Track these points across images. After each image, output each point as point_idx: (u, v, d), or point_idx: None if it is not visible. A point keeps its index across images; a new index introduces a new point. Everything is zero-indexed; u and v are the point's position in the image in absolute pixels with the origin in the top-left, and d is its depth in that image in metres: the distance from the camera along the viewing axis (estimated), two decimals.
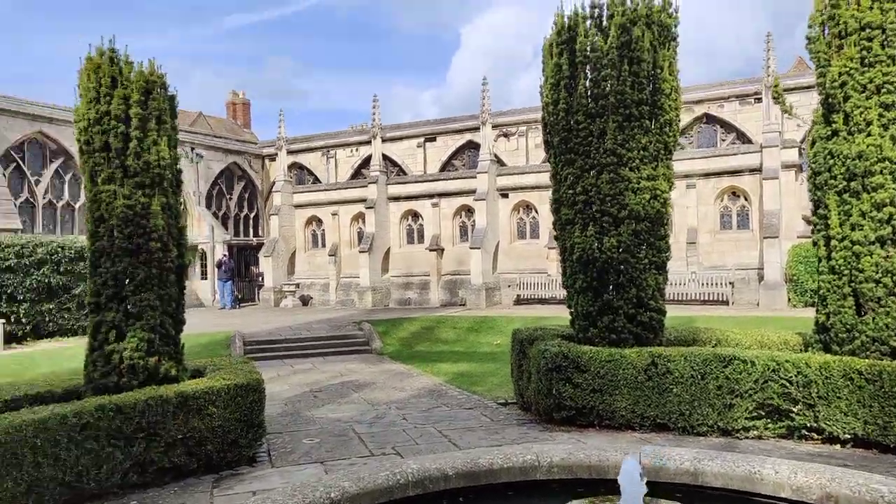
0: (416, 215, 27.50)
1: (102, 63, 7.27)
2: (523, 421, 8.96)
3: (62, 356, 15.03)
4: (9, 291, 18.33)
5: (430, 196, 26.86)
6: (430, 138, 30.42)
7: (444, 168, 29.85)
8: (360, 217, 27.99)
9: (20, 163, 24.55)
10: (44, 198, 25.24)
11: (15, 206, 23.25)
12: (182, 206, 24.64)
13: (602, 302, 8.81)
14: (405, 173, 30.27)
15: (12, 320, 18.27)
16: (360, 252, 26.88)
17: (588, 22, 9.12)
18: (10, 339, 17.98)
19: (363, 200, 27.43)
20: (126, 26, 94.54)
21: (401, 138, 30.80)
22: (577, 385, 8.34)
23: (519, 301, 24.55)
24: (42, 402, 6.57)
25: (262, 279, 29.61)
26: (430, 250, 26.48)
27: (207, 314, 24.71)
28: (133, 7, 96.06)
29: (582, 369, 8.33)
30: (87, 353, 7.09)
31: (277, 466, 7.15)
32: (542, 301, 23.76)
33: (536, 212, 24.97)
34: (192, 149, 30.09)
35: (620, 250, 8.73)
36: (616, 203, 8.73)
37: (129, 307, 6.94)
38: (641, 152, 8.81)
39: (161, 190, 7.21)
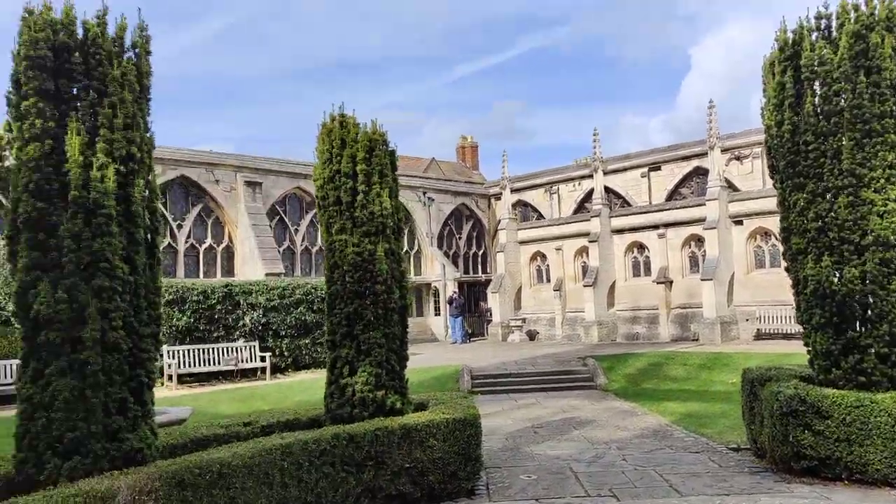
0: (641, 247, 26.70)
1: (334, 128, 8.24)
2: (756, 469, 8.25)
3: (314, 386, 16.78)
4: (274, 328, 21.01)
5: (656, 227, 25.96)
6: (655, 167, 29.48)
7: (670, 197, 28.70)
8: (583, 251, 27.83)
9: (282, 215, 28.14)
10: (301, 244, 28.61)
11: (279, 253, 26.66)
12: (416, 248, 26.26)
13: (845, 340, 7.89)
14: (629, 205, 29.59)
15: (276, 353, 20.87)
16: (584, 286, 26.66)
17: (814, 35, 8.40)
18: (275, 369, 20.54)
19: (586, 234, 27.28)
20: (370, 84, 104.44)
21: (624, 169, 30.23)
22: (818, 433, 7.52)
23: (759, 336, 22.62)
24: (291, 429, 7.46)
25: (490, 314, 30.56)
26: (658, 283, 25.49)
27: (439, 348, 26.06)
28: (377, 67, 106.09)
29: (823, 415, 7.50)
30: (326, 385, 7.94)
31: (494, 501, 7.35)
32: (786, 336, 21.65)
33: (776, 238, 22.93)
34: (425, 193, 32.26)
35: (866, 282, 7.78)
36: (857, 229, 7.83)
37: (359, 345, 7.67)
38: (888, 171, 7.84)
39: (384, 237, 7.91)
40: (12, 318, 14.79)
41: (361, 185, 7.91)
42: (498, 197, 33.46)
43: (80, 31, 5.61)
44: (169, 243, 24.64)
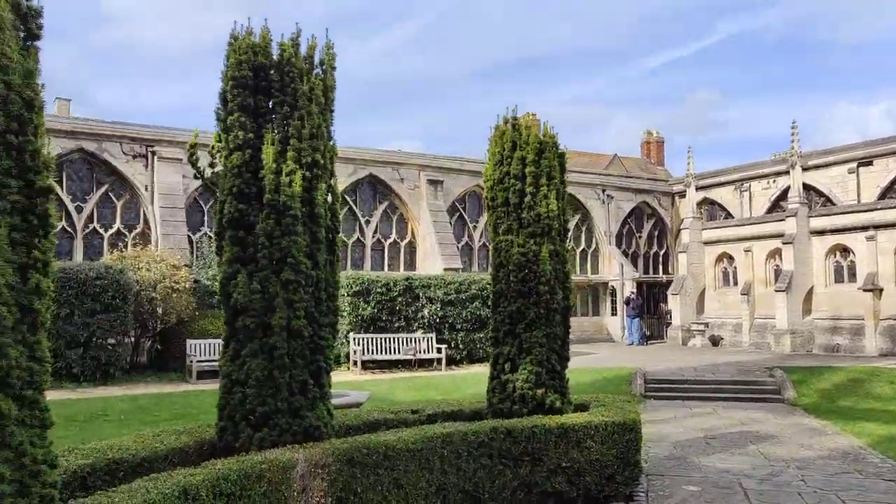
0: (845, 250, 24.29)
1: (506, 130, 8.49)
2: None
3: (484, 380, 17.11)
4: (450, 321, 21.83)
5: (864, 228, 23.46)
6: (865, 162, 26.63)
7: (883, 196, 25.78)
8: (776, 253, 25.85)
9: (461, 212, 29.03)
10: (478, 241, 29.33)
11: (457, 249, 27.56)
12: (594, 247, 26.08)
13: None
14: (833, 203, 27.02)
15: (452, 346, 21.67)
16: (776, 291, 24.78)
17: None
18: (450, 361, 21.34)
19: (780, 235, 25.32)
20: (555, 79, 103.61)
21: (827, 165, 27.64)
22: None
23: None
24: (454, 419, 7.84)
25: (670, 317, 29.38)
26: (865, 290, 23.04)
27: (615, 349, 25.56)
28: (563, 62, 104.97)
29: None
30: (489, 380, 8.24)
31: None
32: None
33: None
34: (604, 190, 31.70)
35: None
36: None
37: (521, 343, 7.87)
38: None
39: (549, 238, 8.03)
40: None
41: (529, 188, 8.09)
42: (682, 195, 32.05)
43: (274, 52, 6.32)
44: (357, 238, 26.44)
